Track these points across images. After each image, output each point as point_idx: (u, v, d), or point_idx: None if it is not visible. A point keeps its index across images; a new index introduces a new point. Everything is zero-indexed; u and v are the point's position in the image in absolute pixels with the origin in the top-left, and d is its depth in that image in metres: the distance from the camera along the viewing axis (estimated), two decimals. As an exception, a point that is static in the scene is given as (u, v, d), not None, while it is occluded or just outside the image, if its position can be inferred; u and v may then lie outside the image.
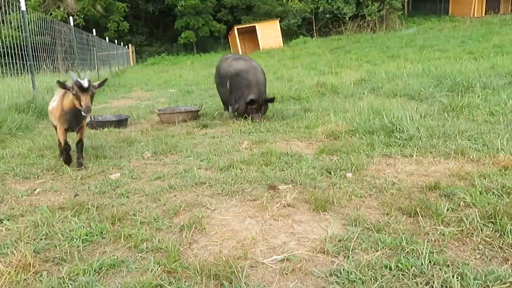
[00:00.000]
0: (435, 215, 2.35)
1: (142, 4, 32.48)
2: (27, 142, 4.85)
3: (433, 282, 1.74)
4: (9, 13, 7.52)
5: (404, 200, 2.62)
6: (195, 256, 2.08)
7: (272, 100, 5.68)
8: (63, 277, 1.91)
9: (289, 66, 13.47)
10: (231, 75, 5.77)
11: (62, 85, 3.47)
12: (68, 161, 3.82)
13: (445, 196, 2.65)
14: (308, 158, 3.70)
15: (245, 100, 5.49)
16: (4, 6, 7.05)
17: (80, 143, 3.84)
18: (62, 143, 3.77)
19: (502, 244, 2.02)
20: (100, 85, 3.67)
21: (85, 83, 3.32)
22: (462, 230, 2.17)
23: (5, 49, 6.90)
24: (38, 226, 2.46)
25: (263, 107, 5.65)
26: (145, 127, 5.81)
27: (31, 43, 7.70)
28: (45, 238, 2.32)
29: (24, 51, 7.47)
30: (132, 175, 3.49)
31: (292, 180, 3.15)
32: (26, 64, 7.57)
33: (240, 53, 23.60)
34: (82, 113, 3.44)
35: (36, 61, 8.09)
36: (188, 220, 2.47)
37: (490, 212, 2.27)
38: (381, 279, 1.79)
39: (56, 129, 3.97)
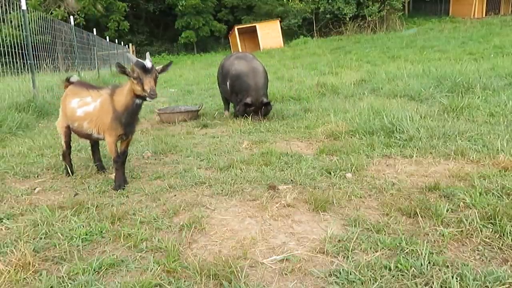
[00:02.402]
0: (434, 215, 2.35)
1: (143, 3, 32.48)
2: (27, 141, 4.85)
3: (433, 283, 1.75)
4: (10, 12, 7.51)
5: (404, 201, 2.62)
6: (195, 255, 2.08)
7: (268, 104, 5.63)
8: (63, 276, 1.91)
9: (290, 66, 13.48)
10: (231, 75, 5.77)
11: (121, 68, 2.93)
12: (124, 182, 3.20)
13: (444, 197, 2.65)
14: (308, 158, 3.70)
15: (242, 103, 5.53)
16: (5, 5, 7.05)
17: (125, 153, 3.32)
18: (115, 155, 3.19)
19: (502, 245, 2.02)
20: (163, 69, 3.08)
21: (148, 63, 2.86)
22: (461, 231, 2.17)
23: (5, 48, 6.90)
24: (38, 225, 2.46)
25: (264, 108, 5.66)
26: (145, 127, 5.81)
27: (31, 42, 7.70)
28: (44, 237, 2.32)
29: (25, 50, 7.47)
30: (132, 175, 3.49)
31: (292, 180, 3.16)
32: (27, 63, 7.56)
33: (241, 53, 23.54)
34: (147, 98, 2.93)
35: (36, 60, 8.09)
36: (187, 220, 2.48)
37: (489, 213, 2.27)
38: (380, 279, 1.79)
39: (65, 134, 3.50)
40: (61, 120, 3.53)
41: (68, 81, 3.55)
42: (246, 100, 5.48)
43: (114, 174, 3.24)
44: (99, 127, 3.21)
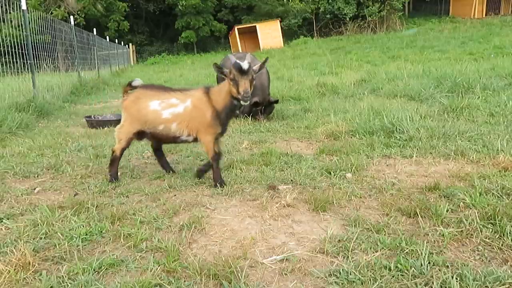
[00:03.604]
0: (434, 216, 2.35)
1: (143, 3, 32.47)
2: (27, 141, 4.85)
3: (433, 283, 1.74)
4: (10, 12, 7.51)
5: (404, 201, 2.62)
6: (195, 255, 2.08)
7: (276, 102, 5.75)
8: (63, 276, 1.91)
9: (290, 66, 13.47)
10: None
11: (219, 69, 2.93)
12: (222, 182, 3.13)
13: (444, 197, 2.65)
14: (308, 158, 3.70)
15: (250, 103, 5.54)
16: (5, 5, 7.05)
17: (220, 153, 3.23)
18: (213, 153, 3.12)
19: (502, 245, 2.02)
20: (261, 67, 3.02)
21: (245, 65, 2.82)
22: (461, 231, 2.17)
23: (5, 48, 6.90)
24: (38, 225, 2.46)
25: (268, 107, 5.72)
26: (145, 127, 5.80)
27: (31, 42, 7.70)
28: (44, 237, 2.32)
29: (25, 50, 7.47)
30: (132, 175, 3.49)
31: (292, 180, 3.16)
32: (27, 63, 7.57)
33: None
34: (241, 101, 2.91)
35: (36, 60, 8.09)
36: (187, 220, 2.48)
37: (489, 213, 2.27)
38: (380, 279, 1.79)
39: (128, 141, 3.28)
40: (128, 126, 3.25)
41: (130, 85, 3.34)
42: (254, 99, 5.50)
43: (213, 172, 3.18)
44: (194, 128, 3.13)
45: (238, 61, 2.84)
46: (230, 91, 2.95)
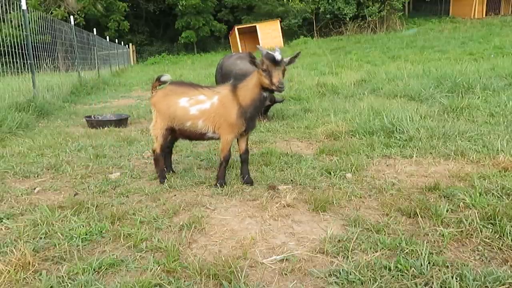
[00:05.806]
0: (434, 216, 2.35)
1: (143, 3, 32.47)
2: (27, 141, 4.85)
3: (433, 283, 1.75)
4: (10, 12, 7.51)
5: (404, 201, 2.62)
6: (195, 255, 2.08)
7: (281, 101, 5.74)
8: (63, 276, 1.91)
9: (290, 66, 13.45)
10: (235, 74, 5.72)
11: (252, 59, 2.89)
12: (224, 182, 3.16)
13: (444, 197, 2.65)
14: (308, 158, 3.70)
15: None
16: (5, 5, 7.05)
17: (247, 151, 3.22)
18: (227, 154, 3.12)
19: (502, 245, 2.02)
20: (291, 61, 2.98)
21: (278, 56, 2.80)
22: (461, 231, 2.17)
23: (5, 48, 6.90)
24: (38, 225, 2.46)
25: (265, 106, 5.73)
26: (145, 127, 5.81)
27: (31, 42, 7.70)
28: (44, 237, 2.32)
29: (25, 50, 7.47)
30: (132, 175, 3.49)
31: (291, 180, 3.16)
32: (27, 63, 7.56)
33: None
34: (276, 91, 2.92)
35: (36, 60, 8.09)
36: (187, 220, 2.48)
37: (489, 213, 2.27)
38: (380, 279, 1.79)
39: (164, 137, 3.26)
40: (160, 122, 3.25)
41: (159, 81, 3.37)
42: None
43: (218, 170, 3.18)
44: (217, 125, 3.09)
45: (270, 51, 2.83)
46: (259, 83, 2.94)
